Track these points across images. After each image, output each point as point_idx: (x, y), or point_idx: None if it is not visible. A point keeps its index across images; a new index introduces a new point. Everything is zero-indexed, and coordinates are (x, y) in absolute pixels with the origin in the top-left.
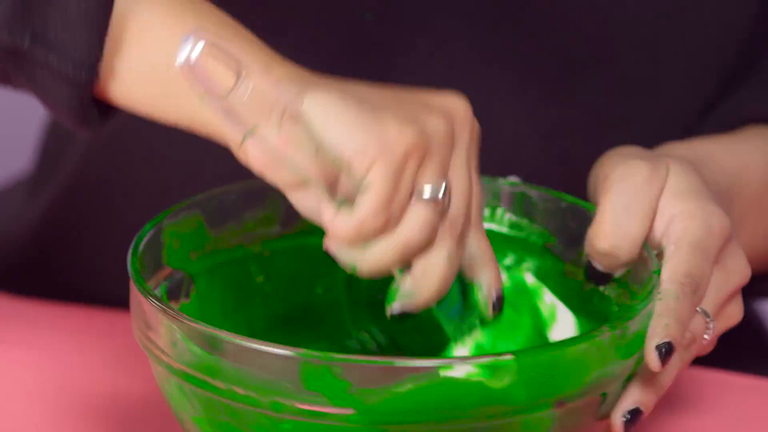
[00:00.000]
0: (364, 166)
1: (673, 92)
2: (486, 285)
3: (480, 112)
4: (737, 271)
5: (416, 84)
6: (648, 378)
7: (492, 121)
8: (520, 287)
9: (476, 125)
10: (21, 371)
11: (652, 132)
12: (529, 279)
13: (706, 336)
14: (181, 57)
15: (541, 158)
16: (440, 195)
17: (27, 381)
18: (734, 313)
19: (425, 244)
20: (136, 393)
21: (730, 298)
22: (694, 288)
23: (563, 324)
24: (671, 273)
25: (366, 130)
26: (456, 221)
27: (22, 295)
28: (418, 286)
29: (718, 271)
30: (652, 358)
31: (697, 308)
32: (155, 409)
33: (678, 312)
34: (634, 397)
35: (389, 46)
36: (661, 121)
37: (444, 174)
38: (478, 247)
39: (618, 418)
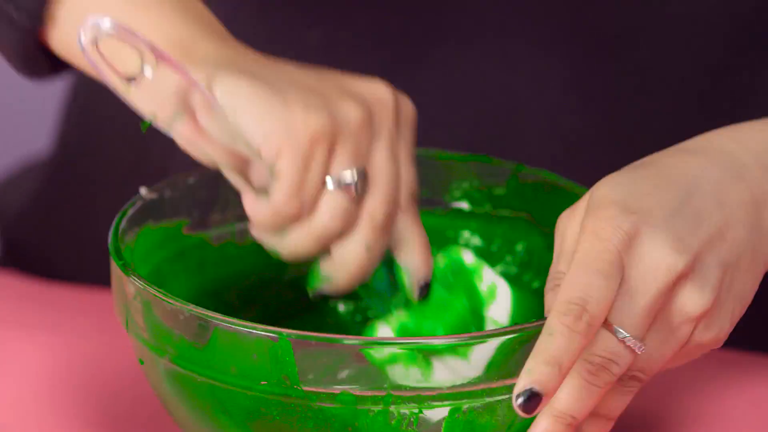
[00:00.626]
0: (272, 153)
1: (707, 59)
2: (412, 270)
3: (522, 82)
4: (654, 267)
5: (456, 50)
6: (558, 406)
7: (534, 90)
8: (457, 266)
9: (407, 110)
10: (9, 350)
11: (688, 98)
12: (468, 258)
13: (640, 349)
14: (84, 38)
15: (582, 126)
16: (350, 182)
17: (20, 359)
18: (688, 301)
19: (340, 232)
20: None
21: (664, 294)
22: (579, 313)
23: (500, 301)
24: (555, 304)
25: (272, 117)
26: (376, 210)
27: (26, 274)
28: (336, 272)
29: (631, 271)
30: (516, 408)
31: (613, 327)
32: (138, 386)
33: (549, 350)
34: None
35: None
36: (695, 87)
37: (356, 161)
38: (406, 231)
39: None
